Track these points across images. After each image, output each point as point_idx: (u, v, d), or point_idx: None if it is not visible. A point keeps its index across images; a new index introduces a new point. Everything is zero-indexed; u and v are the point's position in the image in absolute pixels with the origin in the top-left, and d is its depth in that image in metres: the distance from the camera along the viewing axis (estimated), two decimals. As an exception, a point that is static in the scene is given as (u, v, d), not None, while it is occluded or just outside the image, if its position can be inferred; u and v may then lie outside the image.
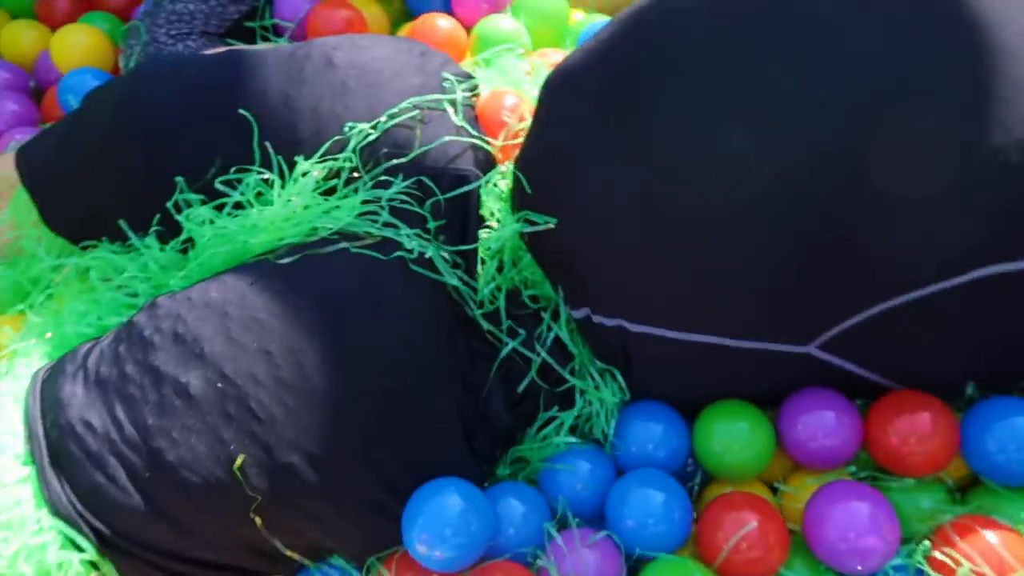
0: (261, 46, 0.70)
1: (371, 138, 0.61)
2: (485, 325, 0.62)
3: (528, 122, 0.65)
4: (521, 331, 0.62)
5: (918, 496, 0.55)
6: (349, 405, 0.53)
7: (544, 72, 0.76)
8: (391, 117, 0.62)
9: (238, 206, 0.62)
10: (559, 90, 0.61)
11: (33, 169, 0.67)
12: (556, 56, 0.83)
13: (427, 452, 0.55)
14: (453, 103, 0.65)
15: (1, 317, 0.68)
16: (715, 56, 0.53)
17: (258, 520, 0.52)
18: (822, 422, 0.55)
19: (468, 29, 0.87)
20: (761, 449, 0.57)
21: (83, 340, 0.62)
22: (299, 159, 0.61)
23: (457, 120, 0.64)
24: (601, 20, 0.90)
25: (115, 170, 0.65)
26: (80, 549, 0.50)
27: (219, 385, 0.51)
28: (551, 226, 0.59)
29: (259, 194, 0.61)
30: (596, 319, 0.59)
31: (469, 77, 0.70)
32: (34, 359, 0.60)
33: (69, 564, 0.50)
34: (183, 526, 0.52)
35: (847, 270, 0.52)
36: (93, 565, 0.51)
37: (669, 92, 0.54)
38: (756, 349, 0.56)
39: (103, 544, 0.51)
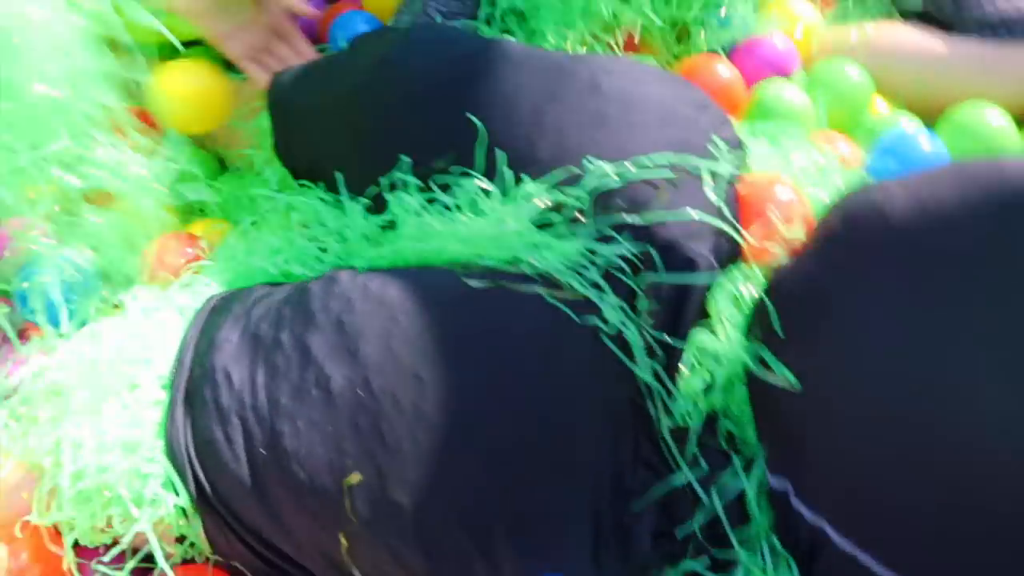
0: (527, 45, 0.64)
1: (610, 184, 0.54)
2: (667, 438, 0.53)
3: (797, 231, 0.55)
4: (704, 465, 0.52)
5: None
6: (480, 466, 0.48)
7: (834, 170, 0.65)
8: (639, 167, 0.55)
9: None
10: (867, 233, 0.50)
11: (281, 96, 0.67)
12: (846, 148, 0.72)
13: (544, 545, 0.48)
14: (714, 174, 0.56)
15: (208, 225, 0.69)
16: None
17: (344, 542, 0.48)
18: None
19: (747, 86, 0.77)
20: None
21: (266, 277, 0.61)
22: (526, 179, 0.56)
23: (713, 196, 0.55)
24: (907, 120, 0.76)
25: (354, 123, 0.63)
26: (177, 493, 0.49)
27: (359, 392, 0.47)
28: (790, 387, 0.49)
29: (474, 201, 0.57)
30: (795, 503, 0.49)
31: (742, 147, 0.61)
32: (216, 280, 0.60)
33: (162, 503, 0.49)
34: (276, 513, 0.49)
35: None
36: (183, 512, 0.50)
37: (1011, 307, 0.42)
38: None
39: (200, 497, 0.50)
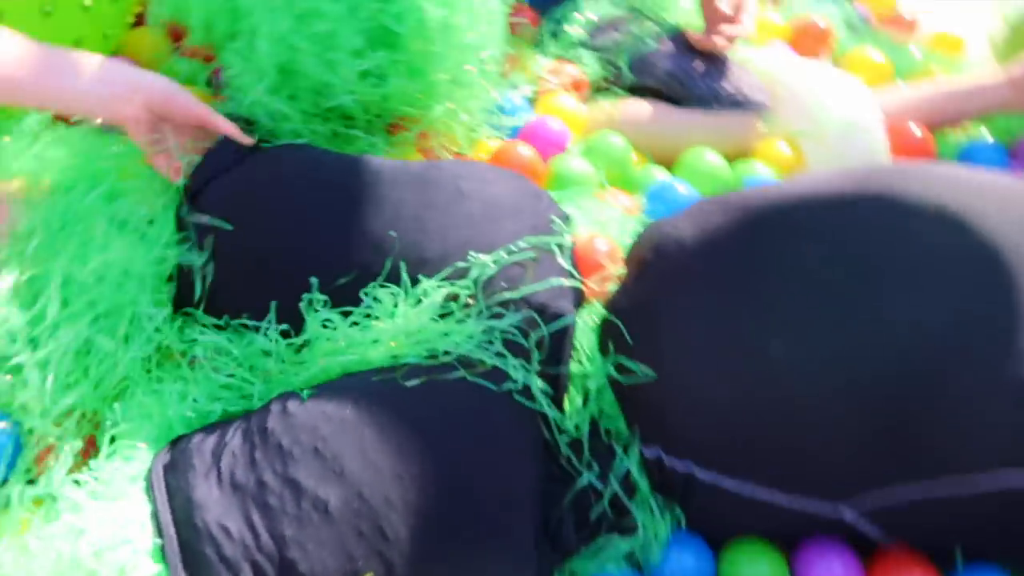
0: (389, 160, 0.74)
1: (490, 271, 0.67)
2: (567, 454, 0.67)
3: (619, 268, 0.72)
4: (595, 464, 0.67)
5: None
6: (456, 529, 0.57)
7: (624, 218, 0.84)
8: (510, 253, 0.68)
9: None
10: (671, 258, 0.68)
11: None
12: (626, 200, 0.92)
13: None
14: (560, 246, 0.71)
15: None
16: (830, 270, 0.62)
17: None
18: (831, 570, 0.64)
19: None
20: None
21: (185, 424, 0.63)
22: (422, 278, 0.66)
23: (563, 263, 0.70)
24: (658, 170, 0.98)
25: (256, 253, 0.68)
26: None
27: (355, 505, 0.54)
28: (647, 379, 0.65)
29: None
30: (668, 460, 0.65)
31: (568, 218, 0.76)
32: (138, 440, 0.61)
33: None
34: None
35: (906, 446, 0.60)
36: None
37: (782, 293, 0.62)
38: (801, 510, 0.63)
39: None
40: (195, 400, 0.65)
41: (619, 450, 0.68)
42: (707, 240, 0.68)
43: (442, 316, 0.66)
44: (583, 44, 1.11)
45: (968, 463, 0.59)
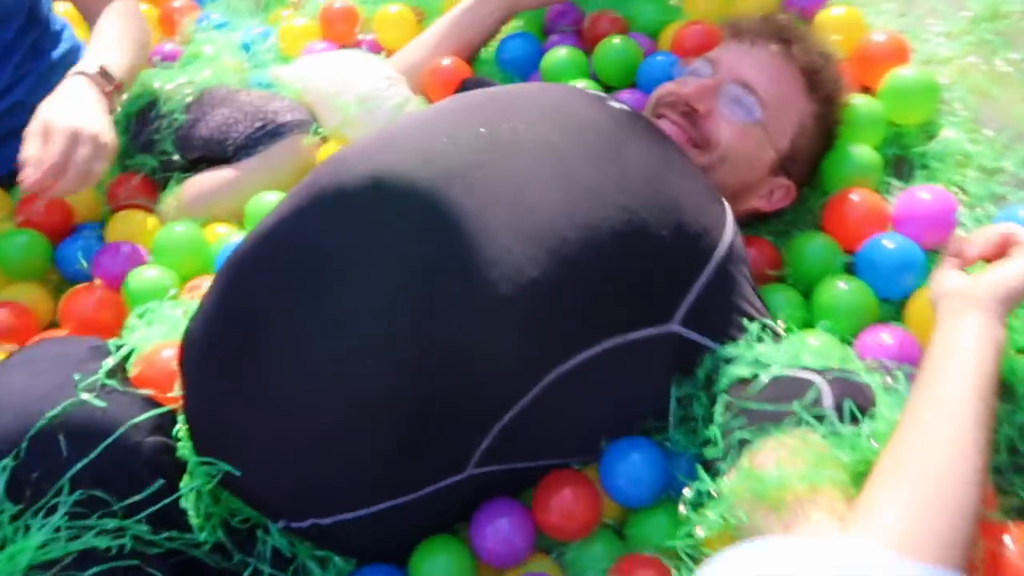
0: None
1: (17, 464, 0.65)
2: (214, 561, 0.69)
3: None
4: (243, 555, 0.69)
5: (592, 545, 0.68)
6: None
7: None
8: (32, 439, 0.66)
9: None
10: (187, 361, 0.69)
11: None
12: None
13: None
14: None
15: None
16: (293, 296, 0.65)
17: None
18: (500, 529, 0.68)
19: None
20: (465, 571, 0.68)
21: None
22: None
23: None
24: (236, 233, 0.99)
25: None
26: None
27: None
28: (234, 472, 0.67)
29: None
30: (295, 526, 0.68)
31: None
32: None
33: None
34: None
35: (460, 412, 0.65)
36: None
37: (267, 335, 0.65)
38: (420, 495, 0.67)
39: None
40: None
41: (260, 534, 0.70)
42: (204, 327, 0.71)
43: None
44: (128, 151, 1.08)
45: (526, 379, 0.66)
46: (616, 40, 1.07)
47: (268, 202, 0.97)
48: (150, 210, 1.04)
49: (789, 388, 0.65)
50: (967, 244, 0.71)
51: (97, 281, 0.95)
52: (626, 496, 0.69)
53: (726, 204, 0.78)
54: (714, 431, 0.66)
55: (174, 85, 1.09)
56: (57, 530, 0.64)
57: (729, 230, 0.75)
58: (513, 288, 0.64)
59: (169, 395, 0.73)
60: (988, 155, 0.91)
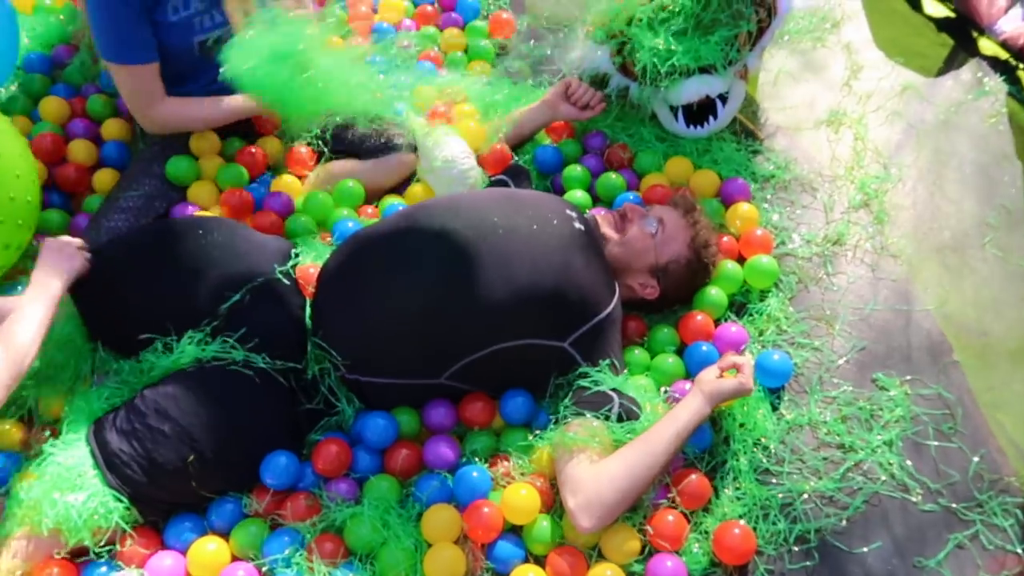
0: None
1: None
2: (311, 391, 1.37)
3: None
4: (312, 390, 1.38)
5: (479, 436, 1.37)
6: (237, 430, 1.27)
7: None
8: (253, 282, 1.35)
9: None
10: (322, 277, 1.42)
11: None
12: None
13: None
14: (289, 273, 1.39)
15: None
16: (384, 264, 1.35)
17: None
18: (438, 412, 1.37)
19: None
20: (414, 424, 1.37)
21: (100, 410, 1.30)
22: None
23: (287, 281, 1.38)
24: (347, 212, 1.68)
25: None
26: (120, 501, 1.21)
27: (177, 429, 1.22)
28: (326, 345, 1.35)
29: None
30: (348, 376, 1.36)
31: (296, 255, 1.43)
32: (80, 420, 1.28)
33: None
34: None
35: (453, 339, 1.32)
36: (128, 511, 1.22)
37: (368, 276, 1.35)
38: (414, 383, 1.34)
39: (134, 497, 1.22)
40: (106, 398, 1.32)
41: (326, 379, 1.38)
42: (335, 261, 1.40)
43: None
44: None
45: (484, 342, 1.32)
46: (612, 175, 1.74)
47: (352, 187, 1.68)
48: (303, 177, 1.74)
49: (600, 398, 1.31)
50: (723, 360, 1.37)
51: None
52: (509, 416, 1.37)
53: (617, 290, 1.44)
54: (560, 407, 1.32)
55: None
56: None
57: (614, 303, 1.41)
58: (488, 302, 1.30)
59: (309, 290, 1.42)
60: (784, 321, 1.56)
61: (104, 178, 1.77)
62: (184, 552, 1.24)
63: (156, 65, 1.59)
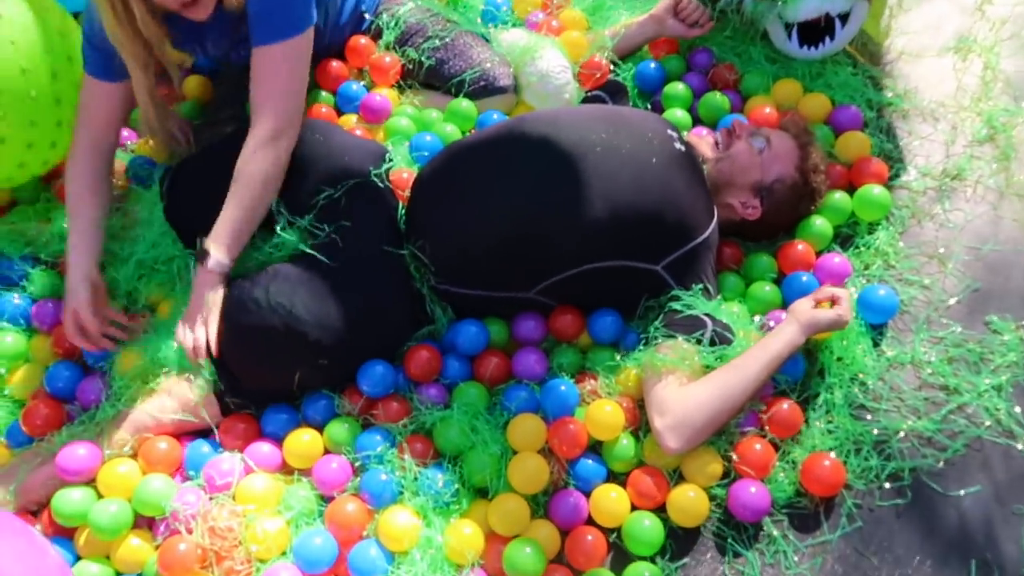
0: None
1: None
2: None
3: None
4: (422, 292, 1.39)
5: (566, 351, 1.36)
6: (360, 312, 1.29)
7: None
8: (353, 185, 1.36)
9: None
10: (417, 183, 1.41)
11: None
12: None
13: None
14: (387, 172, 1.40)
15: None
16: (481, 173, 1.33)
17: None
18: (528, 323, 1.37)
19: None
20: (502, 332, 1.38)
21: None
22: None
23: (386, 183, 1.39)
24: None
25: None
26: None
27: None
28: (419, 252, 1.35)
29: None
30: (440, 287, 1.37)
31: (391, 160, 1.43)
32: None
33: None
34: None
35: (547, 255, 1.31)
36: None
37: (463, 183, 1.33)
38: (504, 296, 1.34)
39: None
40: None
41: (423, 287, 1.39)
42: (431, 169, 1.40)
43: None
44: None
45: (577, 260, 1.30)
46: (717, 95, 1.65)
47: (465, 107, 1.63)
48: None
49: (693, 321, 1.28)
50: (819, 292, 1.31)
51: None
52: (597, 336, 1.36)
53: (715, 214, 1.38)
54: (650, 329, 1.30)
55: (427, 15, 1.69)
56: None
57: (711, 227, 1.36)
58: (584, 219, 1.27)
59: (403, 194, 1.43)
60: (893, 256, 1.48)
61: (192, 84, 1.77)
62: (279, 442, 1.30)
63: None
